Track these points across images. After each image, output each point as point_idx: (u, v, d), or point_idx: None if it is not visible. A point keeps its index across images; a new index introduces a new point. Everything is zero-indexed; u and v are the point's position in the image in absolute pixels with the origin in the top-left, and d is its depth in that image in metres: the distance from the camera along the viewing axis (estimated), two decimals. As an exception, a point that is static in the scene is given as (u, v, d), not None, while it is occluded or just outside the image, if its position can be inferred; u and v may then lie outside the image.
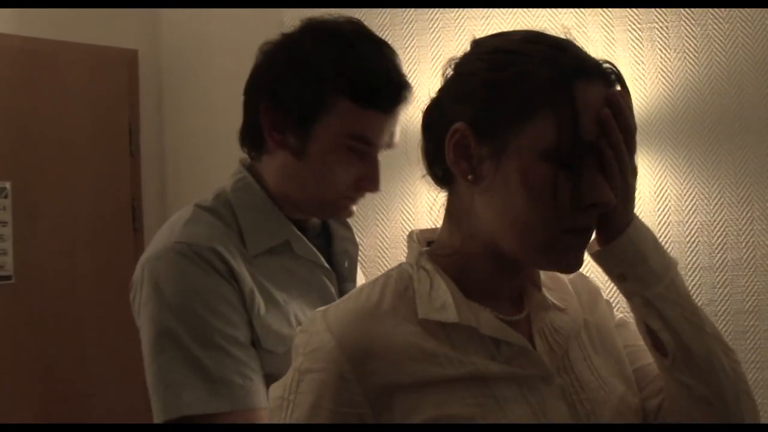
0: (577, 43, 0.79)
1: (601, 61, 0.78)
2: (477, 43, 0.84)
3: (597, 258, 0.83)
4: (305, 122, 1.07)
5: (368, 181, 1.11)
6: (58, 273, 2.51)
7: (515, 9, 2.00)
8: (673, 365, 0.80)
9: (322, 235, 1.22)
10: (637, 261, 0.80)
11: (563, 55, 0.76)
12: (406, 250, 0.88)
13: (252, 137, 1.14)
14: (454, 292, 0.80)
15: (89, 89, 2.59)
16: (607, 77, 0.77)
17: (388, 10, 2.08)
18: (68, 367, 2.50)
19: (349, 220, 1.23)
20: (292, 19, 2.07)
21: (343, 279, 1.20)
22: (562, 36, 0.80)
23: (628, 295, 0.82)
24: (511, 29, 1.96)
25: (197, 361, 1.00)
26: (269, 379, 1.04)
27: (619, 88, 0.79)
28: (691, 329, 0.80)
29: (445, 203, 0.86)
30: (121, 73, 2.67)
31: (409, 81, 1.11)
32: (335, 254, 1.23)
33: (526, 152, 0.75)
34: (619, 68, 0.80)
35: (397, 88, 1.08)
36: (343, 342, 0.77)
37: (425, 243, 0.88)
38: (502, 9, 2.01)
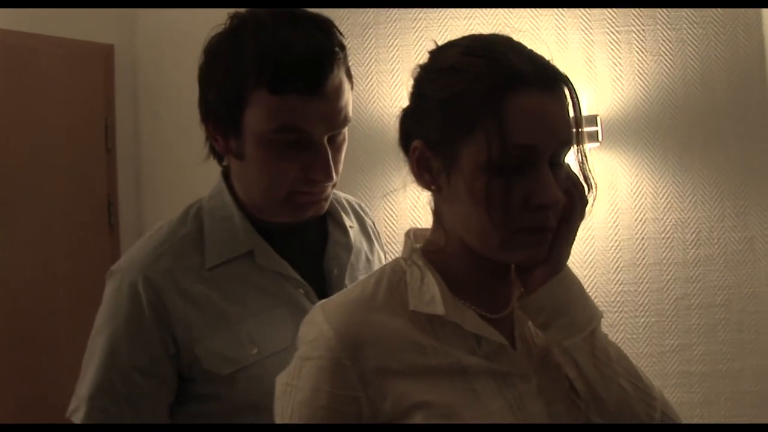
0: (517, 47, 0.82)
1: (541, 65, 0.81)
2: (430, 56, 0.89)
3: (521, 306, 0.88)
4: (234, 123, 1.01)
5: (316, 171, 1.02)
6: (32, 268, 2.46)
7: (496, 9, 2.04)
8: (587, 408, 0.85)
9: (319, 241, 1.16)
10: (558, 313, 0.85)
11: (496, 67, 0.80)
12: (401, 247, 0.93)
13: (211, 149, 1.10)
14: (442, 287, 0.86)
15: (65, 83, 2.55)
16: (542, 82, 0.80)
17: (372, 9, 2.10)
18: (43, 365, 2.46)
19: None
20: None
21: (330, 287, 1.13)
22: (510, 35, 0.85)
23: (549, 343, 0.86)
24: (491, 30, 2.01)
25: (100, 370, 1.04)
26: (211, 401, 1.06)
27: (566, 89, 0.82)
28: (603, 380, 0.85)
29: (432, 204, 0.92)
30: (97, 67, 2.63)
31: (337, 52, 1.01)
32: (327, 260, 1.15)
33: (467, 166, 0.81)
34: (560, 69, 0.82)
35: (314, 67, 0.98)
36: (339, 331, 0.82)
37: (421, 240, 0.93)
38: (483, 9, 2.05)
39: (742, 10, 1.93)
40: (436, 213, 0.90)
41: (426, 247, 0.91)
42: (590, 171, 0.86)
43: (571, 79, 0.82)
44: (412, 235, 0.93)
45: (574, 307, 0.86)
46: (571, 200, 0.86)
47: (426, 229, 0.94)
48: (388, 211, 2.10)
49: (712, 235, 1.94)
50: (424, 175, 0.86)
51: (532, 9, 2.02)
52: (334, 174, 1.03)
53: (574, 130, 0.83)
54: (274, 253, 1.08)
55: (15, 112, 2.43)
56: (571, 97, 0.82)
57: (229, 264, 1.07)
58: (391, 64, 2.10)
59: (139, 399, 1.03)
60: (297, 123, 0.99)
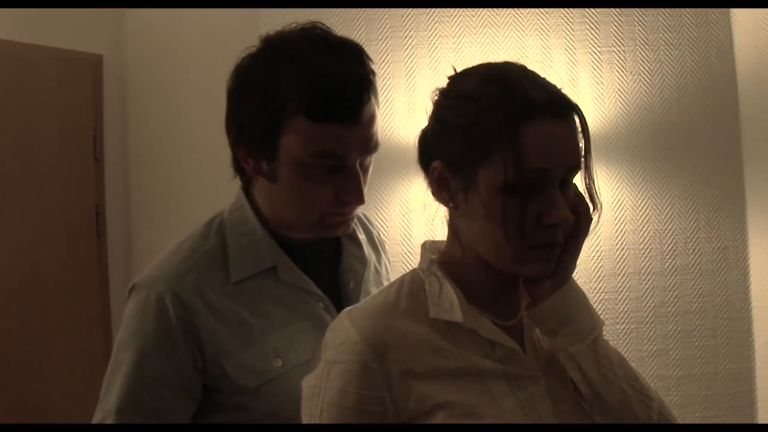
0: (531, 77, 0.90)
1: (553, 94, 0.88)
2: (450, 82, 0.96)
3: (530, 315, 0.95)
4: (269, 146, 1.04)
5: (349, 194, 1.06)
6: (21, 277, 2.48)
7: (485, 29, 2.13)
8: (591, 408, 0.93)
9: (333, 253, 1.20)
10: (564, 321, 0.93)
11: (512, 96, 0.87)
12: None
13: (238, 166, 1.13)
14: (459, 296, 0.93)
15: (53, 93, 2.58)
16: (555, 111, 0.87)
17: (364, 26, 2.17)
18: (31, 373, 2.47)
19: None
20: (268, 23, 2.16)
21: (348, 300, 1.17)
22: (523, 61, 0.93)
23: (556, 349, 0.94)
24: (479, 49, 2.09)
25: (127, 383, 1.06)
26: (236, 412, 1.09)
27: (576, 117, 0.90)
28: (606, 383, 0.92)
29: (448, 218, 0.99)
30: (86, 77, 2.66)
31: (372, 80, 1.05)
32: (343, 272, 1.19)
33: (484, 187, 0.88)
34: (572, 98, 0.89)
35: (353, 96, 1.01)
36: (366, 336, 0.89)
37: (436, 252, 1.01)
38: (472, 29, 2.13)
39: (715, 35, 2.04)
40: (453, 228, 0.98)
41: (442, 259, 0.99)
42: (597, 192, 0.95)
43: (581, 108, 0.91)
44: (429, 246, 1.01)
45: (579, 316, 0.94)
46: (578, 218, 0.94)
47: (440, 242, 1.02)
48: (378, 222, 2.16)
49: (687, 245, 2.05)
50: (443, 193, 0.95)
51: (519, 29, 2.11)
52: (365, 196, 1.08)
53: (583, 154, 0.91)
54: (297, 268, 1.13)
55: (3, 120, 2.45)
56: (581, 125, 0.91)
57: (253, 279, 1.10)
58: (383, 80, 2.17)
59: (166, 411, 1.06)
60: (334, 149, 1.03)
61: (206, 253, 1.11)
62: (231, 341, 1.07)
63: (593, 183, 0.94)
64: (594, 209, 0.95)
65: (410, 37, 2.16)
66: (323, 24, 1.09)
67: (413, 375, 0.88)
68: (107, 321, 2.57)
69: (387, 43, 2.17)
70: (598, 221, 0.95)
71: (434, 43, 2.15)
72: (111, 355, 1.10)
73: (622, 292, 2.06)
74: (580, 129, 0.90)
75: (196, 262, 1.09)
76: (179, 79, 2.72)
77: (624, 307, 2.05)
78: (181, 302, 1.06)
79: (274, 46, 1.05)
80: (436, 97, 0.96)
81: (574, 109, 0.90)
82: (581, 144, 0.90)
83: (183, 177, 2.72)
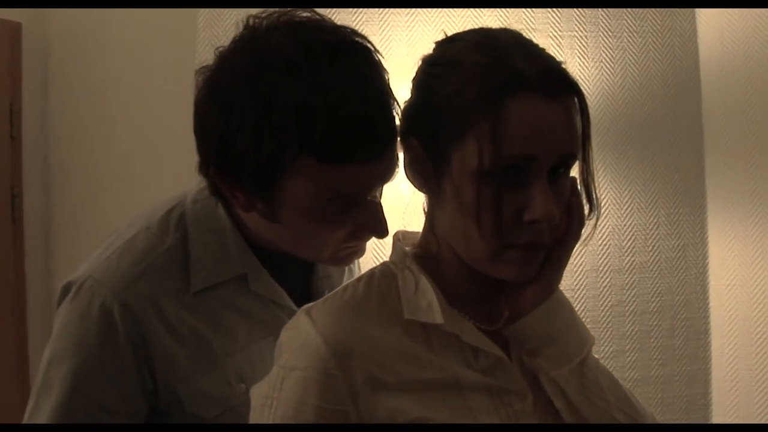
0: (526, 46, 0.78)
1: (547, 68, 0.76)
2: (436, 47, 0.84)
3: (509, 332, 0.83)
4: (266, 187, 0.87)
5: (369, 229, 0.92)
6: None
7: (440, 8, 2.00)
8: None
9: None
10: (547, 341, 0.81)
11: (497, 66, 0.75)
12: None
13: (216, 191, 0.93)
14: (438, 295, 0.81)
15: (-36, 63, 2.36)
16: (546, 87, 0.75)
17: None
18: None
19: None
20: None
21: None
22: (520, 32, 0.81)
23: (537, 372, 0.82)
24: (434, 27, 1.97)
25: (60, 407, 0.91)
26: None
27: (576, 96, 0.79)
28: (594, 411, 0.81)
29: (426, 207, 0.87)
30: (2, 46, 2.47)
31: (394, 98, 0.88)
32: (317, 280, 1.07)
33: (457, 172, 0.77)
34: (571, 75, 0.78)
35: (377, 129, 0.85)
36: (328, 339, 0.77)
37: (410, 244, 0.89)
38: (426, 6, 2.01)
39: (679, 23, 1.98)
40: (429, 217, 0.85)
41: (417, 252, 0.86)
42: (595, 190, 0.82)
43: (581, 86, 0.78)
44: (401, 237, 0.88)
45: (565, 336, 0.82)
46: (569, 219, 0.82)
47: (415, 233, 0.90)
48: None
49: (647, 242, 1.98)
50: (416, 176, 0.82)
51: (476, 9, 1.99)
52: (388, 228, 0.93)
53: (581, 142, 0.79)
54: (270, 277, 0.98)
55: None
56: (580, 107, 0.78)
57: (218, 288, 0.96)
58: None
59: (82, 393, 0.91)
60: (353, 191, 0.88)
61: (163, 254, 0.94)
62: (188, 364, 0.94)
63: (592, 179, 0.81)
64: (591, 211, 0.82)
65: (360, 12, 2.03)
66: (308, 10, 0.89)
67: (382, 386, 0.77)
68: (22, 316, 2.38)
69: (335, 20, 2.02)
70: (595, 226, 0.82)
71: (385, 20, 2.02)
72: (39, 367, 0.95)
73: (578, 290, 1.98)
74: (579, 112, 0.78)
75: (150, 265, 0.93)
76: (107, 52, 2.58)
77: (581, 307, 1.97)
78: (132, 315, 0.90)
79: (259, 57, 0.83)
80: (419, 66, 0.84)
81: (572, 87, 0.77)
82: (579, 130, 0.78)
83: (108, 158, 2.59)
